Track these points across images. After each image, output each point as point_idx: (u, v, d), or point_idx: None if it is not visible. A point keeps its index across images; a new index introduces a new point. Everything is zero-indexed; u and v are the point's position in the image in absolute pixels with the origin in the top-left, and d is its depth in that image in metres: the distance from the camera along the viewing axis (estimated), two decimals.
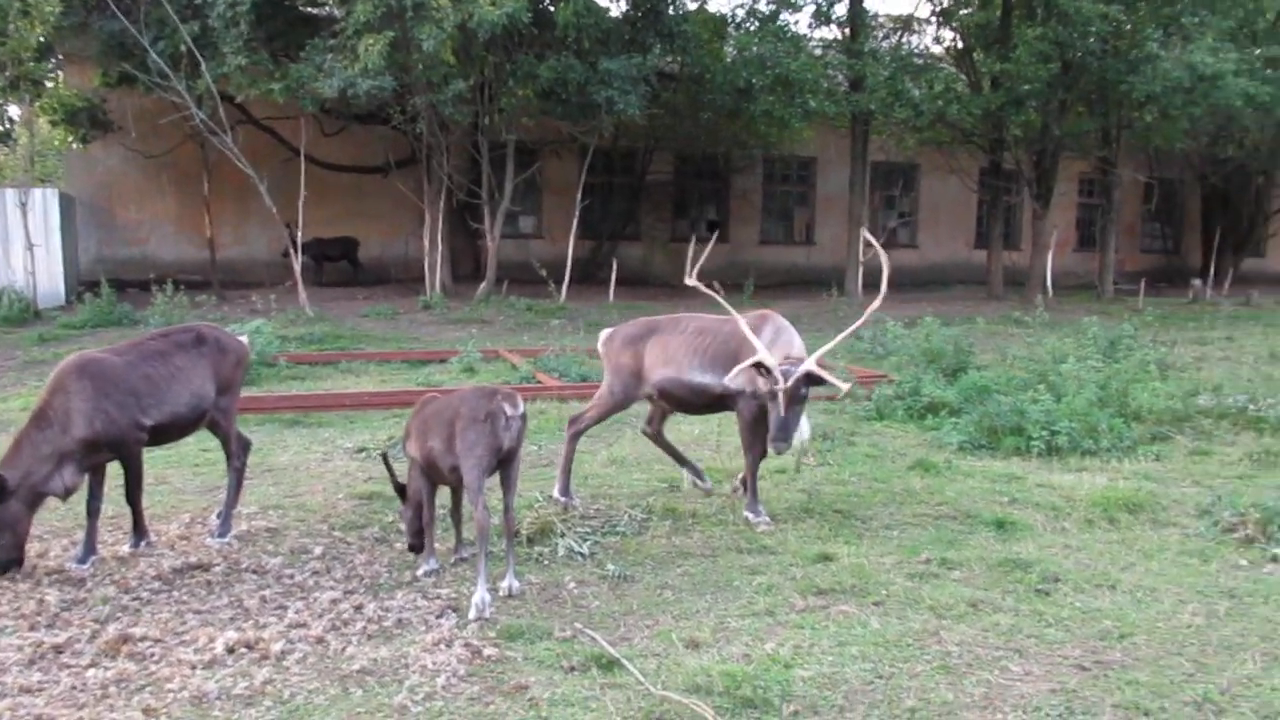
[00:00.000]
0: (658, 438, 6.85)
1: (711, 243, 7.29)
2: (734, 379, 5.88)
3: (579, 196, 20.50)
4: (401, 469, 5.49)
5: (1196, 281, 23.97)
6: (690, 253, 6.67)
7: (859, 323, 6.19)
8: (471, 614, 4.56)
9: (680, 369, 6.22)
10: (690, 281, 6.40)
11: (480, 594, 4.64)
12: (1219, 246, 26.81)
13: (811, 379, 5.69)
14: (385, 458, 5.55)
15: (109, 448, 5.21)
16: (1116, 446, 7.78)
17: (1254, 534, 5.66)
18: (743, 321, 5.97)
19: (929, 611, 4.67)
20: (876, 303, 6.03)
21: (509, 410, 4.79)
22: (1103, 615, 4.65)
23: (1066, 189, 26.74)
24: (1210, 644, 4.35)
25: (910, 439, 8.43)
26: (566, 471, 6.40)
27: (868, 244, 22.13)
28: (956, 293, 24.71)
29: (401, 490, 5.37)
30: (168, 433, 5.58)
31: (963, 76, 22.28)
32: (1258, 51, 20.34)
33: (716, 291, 6.63)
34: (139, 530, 5.54)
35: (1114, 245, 25.05)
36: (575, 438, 6.55)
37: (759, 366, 5.70)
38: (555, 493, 6.33)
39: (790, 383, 5.57)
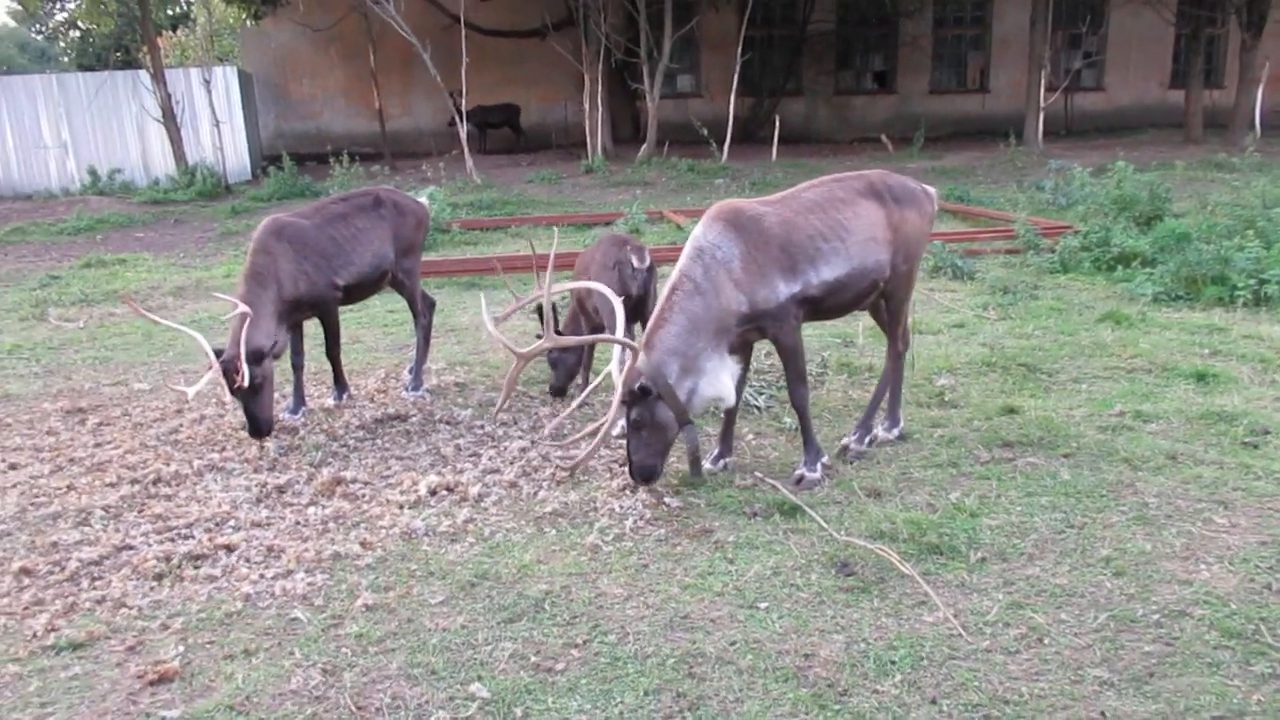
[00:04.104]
0: None
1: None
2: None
3: (739, 51, 19.83)
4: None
5: None
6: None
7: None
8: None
9: None
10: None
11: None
12: None
13: None
14: (540, 308, 5.65)
15: (310, 307, 5.53)
16: None
17: None
18: None
19: (1123, 464, 4.49)
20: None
21: (635, 262, 5.21)
22: None
23: None
24: None
25: (1098, 291, 8.00)
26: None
27: (1049, 88, 20.66)
28: (1148, 137, 22.85)
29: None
30: (354, 292, 5.85)
31: None
32: None
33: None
34: (340, 384, 5.92)
35: None
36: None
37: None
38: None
39: None
